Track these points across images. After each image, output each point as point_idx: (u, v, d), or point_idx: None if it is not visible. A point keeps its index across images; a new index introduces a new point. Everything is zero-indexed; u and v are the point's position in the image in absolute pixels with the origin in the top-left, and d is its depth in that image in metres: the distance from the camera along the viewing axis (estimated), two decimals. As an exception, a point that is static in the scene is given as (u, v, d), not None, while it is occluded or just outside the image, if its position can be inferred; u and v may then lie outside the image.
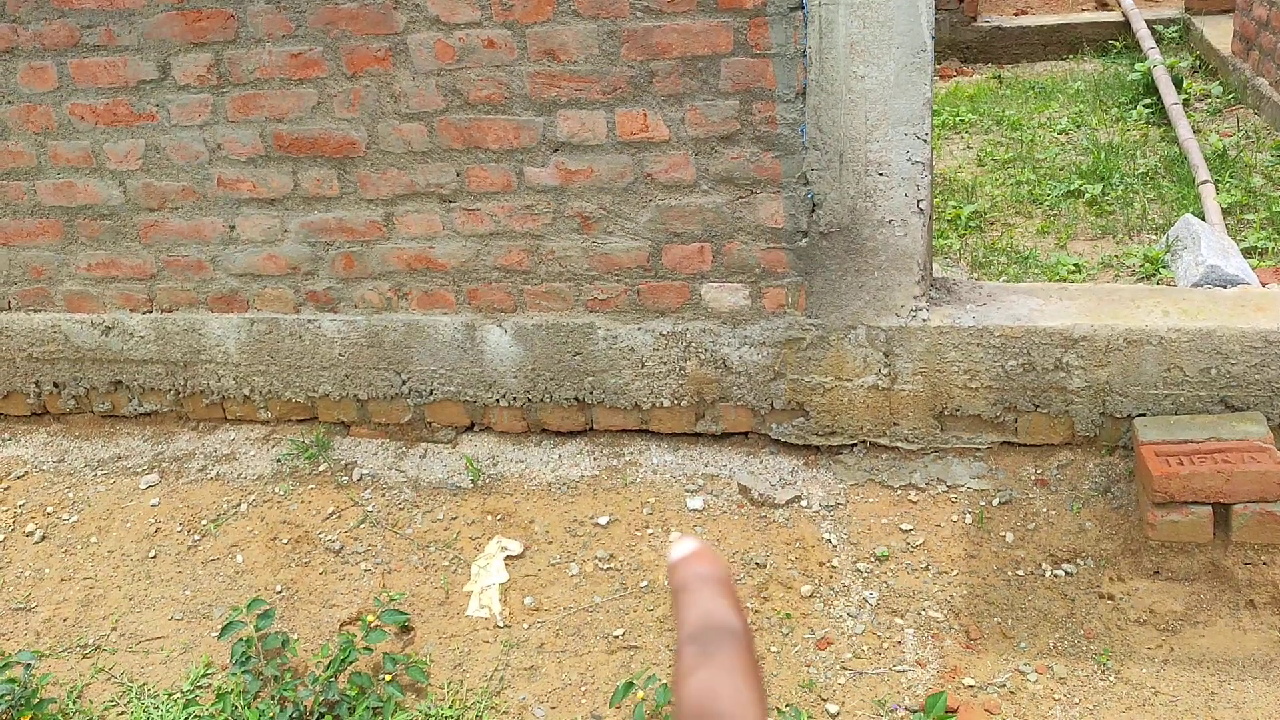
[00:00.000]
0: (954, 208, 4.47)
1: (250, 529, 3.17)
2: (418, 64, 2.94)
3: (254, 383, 3.44)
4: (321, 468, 3.34)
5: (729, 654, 0.48)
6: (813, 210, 2.86)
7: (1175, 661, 2.50)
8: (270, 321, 3.35)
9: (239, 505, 3.25)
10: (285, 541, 3.11)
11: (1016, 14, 7.84)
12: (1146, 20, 6.71)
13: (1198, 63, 6.27)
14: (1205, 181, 4.22)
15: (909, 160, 2.77)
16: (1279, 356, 2.77)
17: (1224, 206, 4.11)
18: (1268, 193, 4.26)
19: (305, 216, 3.19)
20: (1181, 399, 2.86)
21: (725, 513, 3.00)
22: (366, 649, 2.67)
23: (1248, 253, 3.77)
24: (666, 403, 3.16)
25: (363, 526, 3.13)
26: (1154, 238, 4.03)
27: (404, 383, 3.32)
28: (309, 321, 3.32)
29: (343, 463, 3.35)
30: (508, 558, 2.96)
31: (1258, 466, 2.64)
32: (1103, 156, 4.84)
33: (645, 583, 2.84)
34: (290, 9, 2.95)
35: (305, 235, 3.22)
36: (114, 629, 2.95)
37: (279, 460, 3.38)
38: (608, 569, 2.89)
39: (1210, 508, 2.68)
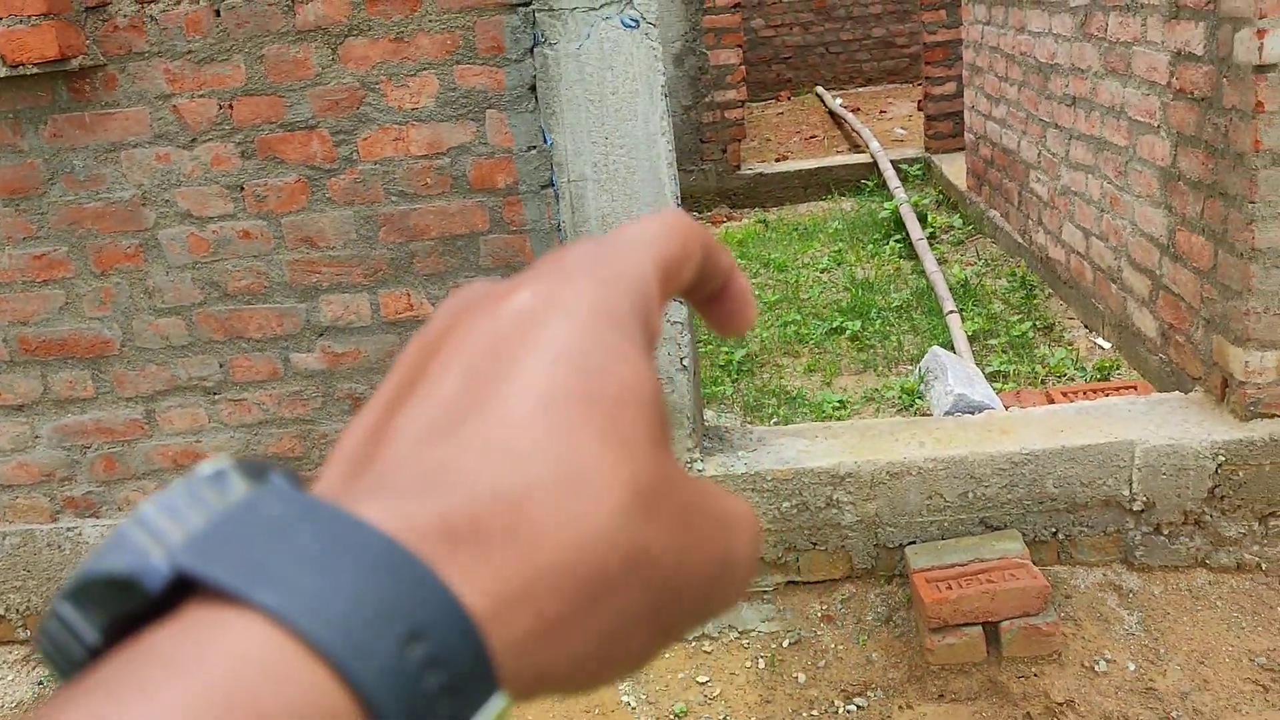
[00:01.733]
0: (726, 353, 4.65)
1: (7, 766, 2.90)
2: (171, 258, 2.89)
3: (9, 600, 3.19)
4: (89, 686, 3.10)
5: None
6: (582, 375, 2.92)
7: (965, 785, 2.58)
8: (25, 534, 3.13)
9: (-6, 740, 2.98)
10: (48, 775, 2.85)
11: (778, 159, 8.37)
12: (892, 160, 7.27)
13: (940, 197, 6.82)
14: (951, 311, 4.55)
15: (669, 321, 2.88)
16: (1025, 476, 2.98)
17: (970, 334, 4.44)
18: (1006, 318, 4.63)
19: (58, 420, 3.04)
20: (945, 524, 3.02)
21: (524, 685, 2.95)
22: None
23: (993, 376, 4.07)
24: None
25: (137, 747, 2.91)
26: (910, 368, 4.30)
27: (177, 584, 3.15)
28: (68, 530, 3.12)
29: (113, 678, 3.12)
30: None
31: (1018, 583, 2.80)
32: (860, 293, 5.16)
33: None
34: (30, 211, 2.86)
35: (59, 439, 3.05)
36: None
37: (41, 683, 3.12)
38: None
39: (981, 627, 2.81)
